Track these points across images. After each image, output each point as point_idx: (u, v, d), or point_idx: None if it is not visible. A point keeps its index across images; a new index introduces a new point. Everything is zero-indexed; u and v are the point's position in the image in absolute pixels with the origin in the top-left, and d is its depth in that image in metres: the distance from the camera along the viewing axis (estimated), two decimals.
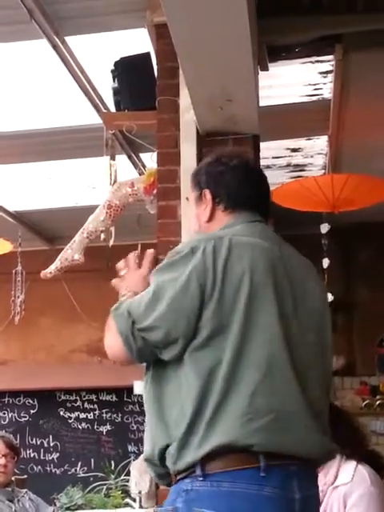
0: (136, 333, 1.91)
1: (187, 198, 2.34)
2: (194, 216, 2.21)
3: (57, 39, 4.12)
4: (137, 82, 4.29)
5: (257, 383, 1.85)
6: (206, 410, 1.83)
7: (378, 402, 7.44)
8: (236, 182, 2.17)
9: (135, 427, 7.94)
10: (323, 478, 3.07)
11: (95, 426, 8.02)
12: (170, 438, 1.87)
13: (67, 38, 4.19)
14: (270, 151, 5.56)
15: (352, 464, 3.04)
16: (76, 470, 7.94)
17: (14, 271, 7.02)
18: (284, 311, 1.95)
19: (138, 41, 4.33)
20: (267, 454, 1.82)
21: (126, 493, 6.55)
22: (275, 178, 6.09)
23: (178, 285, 1.91)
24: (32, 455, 8.03)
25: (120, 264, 2.23)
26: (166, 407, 1.90)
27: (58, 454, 8.02)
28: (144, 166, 5.48)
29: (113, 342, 1.96)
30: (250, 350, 1.87)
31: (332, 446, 1.99)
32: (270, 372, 1.87)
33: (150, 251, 2.23)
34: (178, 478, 1.87)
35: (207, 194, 2.16)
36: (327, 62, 4.38)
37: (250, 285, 1.92)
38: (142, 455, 2.10)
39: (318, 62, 4.36)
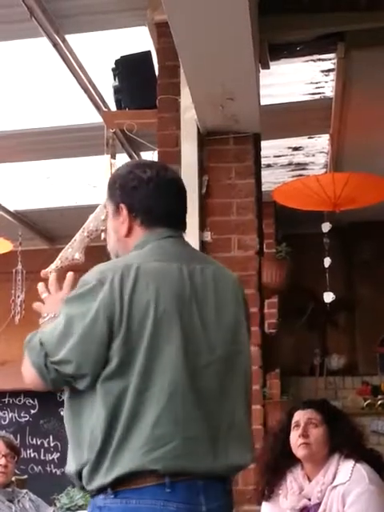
0: (49, 365, 1.95)
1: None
2: (112, 228, 2.15)
3: (57, 37, 4.11)
4: (137, 81, 4.28)
5: (159, 413, 1.90)
6: (112, 439, 1.90)
7: (379, 402, 7.42)
8: (149, 196, 2.12)
9: None
10: (322, 478, 3.06)
11: None
12: (83, 460, 1.95)
13: (67, 37, 4.17)
14: (272, 150, 5.55)
15: (350, 463, 3.04)
16: None
17: (14, 270, 7.00)
18: (190, 336, 1.98)
19: (138, 39, 4.32)
20: (171, 474, 1.90)
21: None
22: (276, 177, 6.09)
23: (87, 319, 1.93)
24: (32, 455, 8.02)
25: (40, 287, 2.25)
26: (81, 429, 1.97)
27: (58, 455, 8.01)
28: None
29: (28, 372, 1.99)
30: (154, 379, 1.92)
31: (236, 461, 2.03)
32: (173, 400, 1.92)
33: (70, 275, 2.25)
34: (93, 494, 1.97)
35: (123, 208, 2.12)
36: (329, 61, 4.37)
37: (155, 314, 1.95)
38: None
39: (319, 60, 4.35)
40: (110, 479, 1.89)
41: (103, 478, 1.91)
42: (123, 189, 2.13)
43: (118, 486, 1.90)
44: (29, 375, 2.00)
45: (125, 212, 2.11)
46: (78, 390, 1.97)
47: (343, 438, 3.10)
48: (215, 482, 1.98)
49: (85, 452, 1.94)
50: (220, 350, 2.02)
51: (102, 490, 1.92)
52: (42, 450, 8.03)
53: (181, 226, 2.17)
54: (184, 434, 1.92)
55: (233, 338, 2.06)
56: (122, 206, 2.11)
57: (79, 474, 1.97)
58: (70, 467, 2.00)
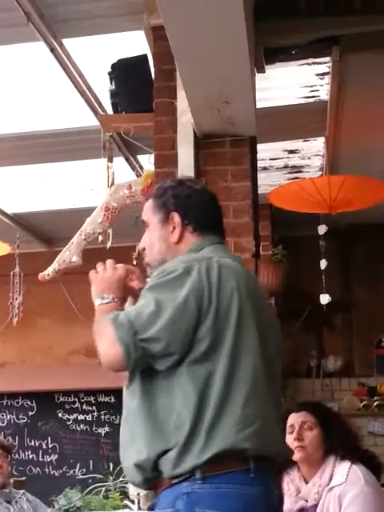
0: (137, 343, 1.98)
1: (143, 221, 2.37)
2: (158, 238, 2.27)
3: (54, 42, 4.12)
4: (134, 85, 4.30)
5: (247, 395, 2.02)
6: (204, 418, 1.97)
7: (375, 403, 7.43)
8: (202, 205, 2.29)
9: None
10: (318, 480, 3.08)
11: (94, 428, 8.02)
12: (168, 445, 1.97)
13: (64, 41, 4.19)
14: (268, 153, 5.56)
15: (346, 464, 3.06)
16: (75, 472, 7.93)
17: (11, 273, 7.02)
18: (260, 327, 2.13)
19: (135, 43, 4.33)
20: (255, 457, 2.00)
21: (125, 494, 6.55)
22: (272, 180, 6.11)
23: (178, 301, 2.02)
24: (31, 457, 8.03)
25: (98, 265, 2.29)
26: (159, 415, 2.00)
27: (56, 456, 8.02)
28: (141, 168, 5.49)
29: (109, 349, 2.01)
30: (241, 362, 2.04)
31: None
32: (256, 383, 2.05)
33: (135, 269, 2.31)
34: (174, 482, 1.99)
35: (175, 216, 2.26)
36: (324, 64, 4.38)
37: (239, 302, 2.08)
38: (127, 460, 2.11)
39: (314, 63, 4.36)
40: (205, 458, 1.95)
41: (196, 459, 1.95)
42: (177, 197, 2.28)
43: (207, 470, 1.95)
44: (111, 352, 2.00)
45: (177, 219, 2.26)
46: (152, 377, 2.02)
47: (338, 440, 3.12)
48: (274, 467, 2.12)
49: (170, 435, 1.98)
50: (273, 345, 2.19)
51: (188, 475, 1.96)
52: (41, 452, 8.04)
53: (223, 234, 2.35)
54: (265, 415, 2.05)
55: (276, 337, 2.25)
56: (174, 214, 2.26)
57: (155, 461, 1.99)
58: (142, 455, 2.00)
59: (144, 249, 2.32)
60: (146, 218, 2.34)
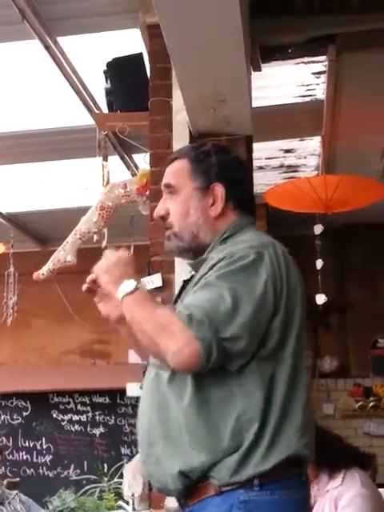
0: (220, 342, 1.75)
1: (168, 185, 2.06)
2: (195, 207, 2.00)
3: (49, 40, 4.10)
4: (129, 83, 4.28)
5: (305, 398, 1.88)
6: (269, 423, 1.81)
7: (371, 404, 7.44)
8: (245, 179, 2.09)
9: (128, 429, 7.92)
10: (315, 485, 3.04)
11: (88, 429, 8.01)
12: (226, 451, 1.79)
13: (59, 39, 4.17)
14: (263, 152, 5.55)
15: (342, 470, 3.03)
16: (69, 473, 7.92)
17: (6, 273, 7.00)
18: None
19: (130, 41, 4.32)
20: (307, 461, 1.90)
21: (119, 495, 6.52)
22: (268, 179, 6.09)
23: (257, 293, 1.81)
24: (25, 458, 8.01)
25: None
26: (213, 418, 1.80)
27: (50, 457, 8.00)
28: (137, 167, 5.47)
29: (185, 349, 1.74)
30: (300, 364, 1.89)
31: None
32: (307, 387, 1.91)
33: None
34: (225, 489, 1.80)
35: (219, 188, 2.01)
36: (320, 63, 4.37)
37: (301, 295, 1.92)
38: (143, 465, 1.96)
39: (311, 62, 4.36)
40: (269, 466, 1.78)
41: (259, 466, 1.78)
42: (223, 166, 2.03)
43: (266, 477, 1.78)
44: (186, 353, 1.74)
45: (221, 192, 2.00)
46: (202, 375, 1.79)
47: (333, 461, 3.05)
48: None
49: (227, 440, 1.79)
50: None
51: (245, 482, 1.78)
52: (35, 453, 8.02)
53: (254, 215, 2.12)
54: (312, 425, 1.93)
55: None
56: (218, 185, 2.01)
57: (208, 468, 1.80)
58: (192, 461, 1.80)
59: (163, 217, 2.04)
60: (173, 181, 2.04)
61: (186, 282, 2.04)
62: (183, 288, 2.04)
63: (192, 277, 2.02)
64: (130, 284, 1.86)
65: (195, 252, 2.05)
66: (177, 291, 2.15)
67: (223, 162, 2.04)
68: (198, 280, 1.91)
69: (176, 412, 1.83)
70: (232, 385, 1.81)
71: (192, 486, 1.82)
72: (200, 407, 1.81)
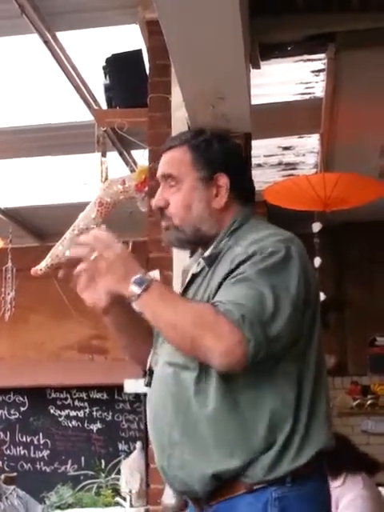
0: (268, 342, 1.72)
1: (168, 175, 1.97)
2: (199, 199, 1.93)
3: (48, 34, 4.09)
4: (128, 79, 4.28)
5: (327, 392, 1.88)
6: (300, 419, 1.80)
7: (369, 402, 7.44)
8: (246, 168, 2.03)
9: (126, 425, 7.92)
10: None
11: (86, 424, 8.01)
12: (259, 449, 1.76)
13: (58, 34, 4.16)
14: (262, 149, 5.55)
15: (344, 473, 3.03)
16: (66, 468, 7.93)
17: (4, 268, 7.00)
18: None
19: (129, 37, 4.31)
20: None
21: (117, 491, 6.54)
22: (267, 177, 6.09)
23: (292, 292, 1.77)
24: (22, 453, 8.02)
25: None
26: (246, 418, 1.77)
27: (48, 452, 8.02)
28: (135, 164, 5.47)
29: (235, 349, 1.68)
30: (323, 356, 1.89)
31: None
32: (327, 384, 1.92)
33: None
34: (257, 487, 1.77)
35: (223, 179, 1.93)
36: (319, 61, 4.36)
37: (318, 291, 1.92)
38: (164, 468, 1.89)
39: (310, 60, 4.35)
40: (302, 462, 1.77)
41: (293, 462, 1.78)
42: (227, 155, 1.96)
43: (299, 472, 1.78)
44: (237, 353, 1.68)
45: (225, 182, 1.94)
46: (235, 377, 1.76)
47: (337, 463, 3.04)
48: None
49: (261, 438, 1.76)
50: None
51: (279, 479, 1.77)
52: (32, 448, 8.03)
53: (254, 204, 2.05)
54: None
55: None
56: (223, 176, 1.94)
57: (242, 469, 1.77)
58: (226, 463, 1.76)
59: (162, 208, 1.96)
60: (174, 171, 1.95)
61: (194, 276, 1.97)
62: (191, 282, 1.97)
63: (202, 270, 1.95)
64: (142, 279, 1.74)
65: (196, 244, 2.01)
66: (180, 284, 2.10)
67: (226, 150, 1.97)
68: (227, 274, 1.82)
69: (204, 414, 1.78)
70: (263, 385, 1.78)
71: (221, 487, 1.79)
72: (230, 409, 1.77)
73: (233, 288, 1.77)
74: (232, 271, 1.81)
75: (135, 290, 1.73)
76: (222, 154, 1.95)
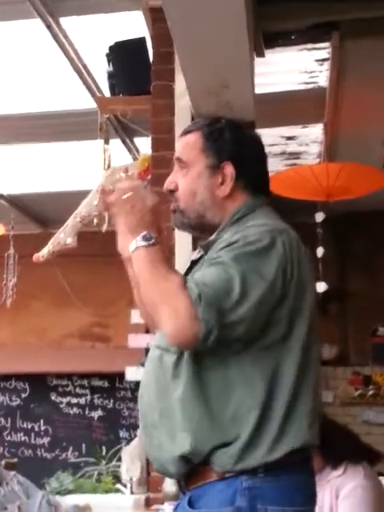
0: (222, 326, 1.71)
1: (179, 159, 2.00)
2: (204, 186, 1.95)
3: (51, 20, 4.08)
4: (132, 67, 4.27)
5: (314, 387, 1.85)
6: (275, 411, 1.78)
7: (370, 392, 7.45)
8: (258, 158, 2.01)
9: (127, 413, 7.94)
10: (318, 475, 3.03)
11: (86, 412, 8.03)
12: (226, 438, 1.77)
13: (62, 19, 4.14)
14: (265, 139, 5.45)
15: (345, 462, 3.02)
16: (67, 455, 7.95)
17: (6, 254, 7.01)
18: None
19: (133, 24, 4.30)
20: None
21: (117, 478, 6.56)
22: (270, 166, 6.02)
23: (266, 280, 1.76)
24: (23, 439, 8.05)
25: (125, 185, 1.90)
26: (213, 404, 1.77)
27: (48, 439, 8.04)
28: (138, 152, 5.46)
29: (186, 327, 1.70)
30: (311, 352, 1.86)
31: None
32: (318, 375, 1.89)
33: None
34: (228, 475, 1.78)
35: (229, 168, 1.94)
36: (324, 50, 4.34)
37: (312, 284, 1.89)
38: (147, 448, 1.92)
39: (314, 49, 4.32)
40: (277, 456, 1.75)
41: (266, 456, 1.75)
42: (235, 145, 1.96)
43: (272, 465, 1.76)
44: (187, 332, 1.70)
45: (231, 172, 1.94)
46: (202, 359, 1.78)
47: (338, 453, 3.04)
48: None
49: (227, 427, 1.76)
50: None
51: (249, 470, 1.76)
52: (33, 434, 8.06)
53: (270, 194, 2.04)
54: (321, 407, 1.91)
55: None
56: (229, 164, 1.94)
57: (208, 454, 1.77)
58: (191, 447, 1.77)
59: (172, 191, 1.99)
60: (185, 156, 1.98)
61: (193, 263, 2.00)
62: (191, 268, 1.99)
63: (201, 257, 1.97)
64: (148, 236, 1.80)
65: (201, 230, 2.02)
66: (182, 271, 2.10)
67: (237, 140, 1.97)
68: (207, 261, 1.86)
69: (176, 397, 1.80)
70: (231, 371, 1.79)
71: (194, 470, 1.80)
72: (197, 390, 1.78)
73: (205, 270, 1.81)
74: (212, 258, 1.85)
75: (137, 242, 1.80)
76: (233, 143, 1.96)
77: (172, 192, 2.00)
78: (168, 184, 2.00)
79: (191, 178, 1.96)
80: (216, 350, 1.75)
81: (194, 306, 1.70)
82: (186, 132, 2.04)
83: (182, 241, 3.85)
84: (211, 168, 1.95)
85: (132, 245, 1.80)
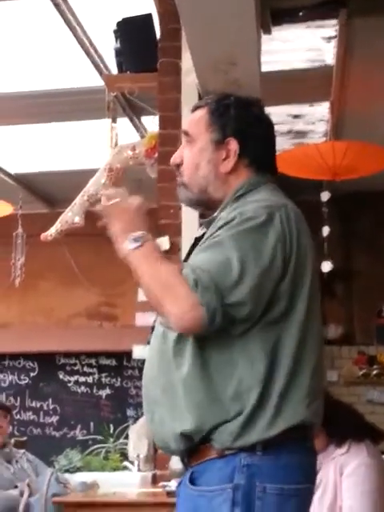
0: (225, 308, 1.72)
1: (186, 132, 2.02)
2: (207, 160, 1.96)
3: None
4: (139, 44, 4.27)
5: (315, 364, 1.84)
6: (273, 389, 1.78)
7: (375, 372, 7.46)
8: (264, 136, 2.00)
9: (134, 392, 7.97)
10: (321, 453, 3.05)
11: (94, 390, 8.07)
12: (227, 415, 1.77)
13: None
14: (272, 117, 5.50)
15: (349, 440, 3.04)
16: (75, 433, 8.00)
17: (14, 234, 7.01)
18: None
19: (140, 1, 4.29)
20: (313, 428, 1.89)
21: (125, 456, 6.61)
22: (276, 145, 6.07)
23: (265, 257, 1.77)
24: (32, 418, 8.09)
25: (111, 192, 1.95)
26: (214, 381, 1.78)
27: (57, 417, 8.08)
28: (145, 130, 5.47)
29: (189, 312, 1.72)
30: (312, 328, 1.85)
31: None
32: (320, 352, 1.88)
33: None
34: (228, 452, 1.79)
35: (233, 143, 1.95)
36: (331, 27, 4.33)
37: (312, 259, 1.88)
38: (148, 423, 1.94)
39: (321, 26, 4.31)
40: (274, 433, 1.76)
41: (263, 433, 1.76)
42: (240, 121, 1.97)
43: (270, 442, 1.76)
44: (190, 316, 1.72)
45: (234, 147, 1.95)
46: (207, 339, 1.78)
47: (344, 432, 3.05)
48: None
49: (228, 404, 1.77)
50: None
51: (248, 447, 1.77)
52: (41, 413, 8.10)
53: (277, 173, 2.04)
54: (322, 385, 1.90)
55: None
56: (232, 140, 1.95)
57: (208, 432, 1.78)
58: (192, 424, 1.78)
59: (179, 165, 2.01)
60: (191, 130, 2.00)
61: (197, 240, 2.00)
62: (194, 245, 2.00)
63: (204, 234, 1.98)
64: (137, 237, 1.82)
65: (205, 206, 2.03)
66: (187, 250, 2.12)
67: (242, 116, 1.98)
68: (207, 239, 1.88)
69: (179, 374, 1.81)
70: (234, 349, 1.79)
71: (194, 447, 1.82)
72: (201, 369, 1.79)
73: (204, 251, 1.82)
74: (212, 235, 1.85)
75: (128, 245, 1.82)
76: (238, 119, 1.97)
77: (178, 166, 2.02)
78: (174, 158, 2.03)
79: (196, 152, 1.98)
80: (222, 330, 1.76)
81: (193, 292, 1.71)
82: (195, 108, 2.06)
83: (189, 219, 3.88)
84: (215, 143, 1.96)
85: (125, 248, 1.82)
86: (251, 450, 1.77)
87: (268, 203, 1.86)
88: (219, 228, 1.85)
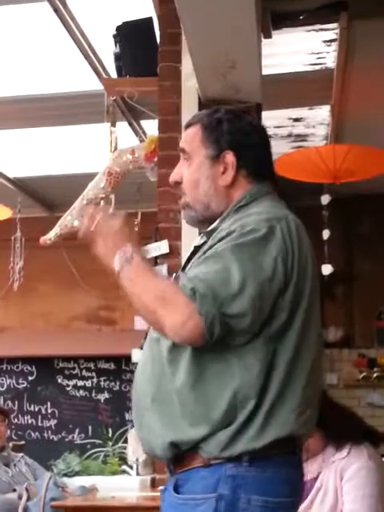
0: (223, 319, 1.71)
1: (183, 150, 2.03)
2: (206, 176, 1.97)
3: (58, 2, 4.07)
4: (139, 48, 4.25)
5: (308, 373, 1.83)
6: (266, 399, 1.77)
7: (375, 375, 7.47)
8: (260, 145, 2.01)
9: None
10: (321, 456, 3.03)
11: (93, 394, 8.06)
12: (218, 425, 1.76)
13: (68, 1, 4.13)
14: (272, 121, 5.52)
15: (349, 444, 3.02)
16: (73, 437, 7.98)
17: (13, 238, 7.01)
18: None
19: (140, 5, 4.28)
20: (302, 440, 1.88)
21: (123, 460, 6.60)
22: (277, 148, 6.01)
23: (267, 270, 1.76)
24: (30, 422, 8.07)
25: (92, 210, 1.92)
26: (210, 392, 1.77)
27: (55, 421, 8.06)
28: (145, 134, 5.45)
29: (187, 323, 1.70)
30: (308, 338, 1.84)
31: None
32: (315, 363, 1.87)
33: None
34: (214, 462, 1.78)
35: (230, 156, 1.96)
36: (331, 31, 4.32)
37: (312, 271, 1.87)
38: (136, 428, 1.95)
39: (322, 30, 4.30)
40: (261, 444, 1.75)
41: (251, 443, 1.75)
42: (234, 134, 1.98)
43: (257, 454, 1.75)
44: (188, 327, 1.71)
45: (231, 160, 1.96)
46: (203, 348, 1.75)
47: (340, 434, 3.04)
48: None
49: (222, 415, 1.75)
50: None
51: (235, 457, 1.76)
52: (40, 417, 8.08)
53: (275, 181, 2.04)
54: (317, 396, 1.89)
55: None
56: (229, 153, 1.96)
57: (199, 441, 1.78)
58: (184, 434, 1.78)
59: (178, 183, 2.02)
60: (187, 147, 2.01)
61: (197, 248, 2.00)
62: (194, 253, 2.00)
63: (204, 243, 1.97)
64: (123, 255, 1.80)
65: (210, 223, 2.01)
66: (186, 257, 2.11)
67: (235, 128, 1.99)
68: (206, 250, 1.87)
69: (172, 382, 1.80)
70: (231, 359, 1.78)
71: (181, 454, 1.81)
72: (196, 379, 1.78)
73: (203, 263, 1.81)
74: (211, 247, 1.85)
75: (116, 265, 1.81)
76: (232, 132, 1.98)
77: (178, 184, 2.02)
78: (173, 176, 2.04)
79: (194, 169, 1.99)
80: (222, 342, 1.75)
81: (191, 301, 1.70)
82: (188, 125, 2.07)
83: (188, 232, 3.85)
84: (212, 158, 1.97)
85: (115, 267, 1.81)
86: (237, 460, 1.76)
87: (269, 216, 1.86)
88: (220, 240, 1.84)
